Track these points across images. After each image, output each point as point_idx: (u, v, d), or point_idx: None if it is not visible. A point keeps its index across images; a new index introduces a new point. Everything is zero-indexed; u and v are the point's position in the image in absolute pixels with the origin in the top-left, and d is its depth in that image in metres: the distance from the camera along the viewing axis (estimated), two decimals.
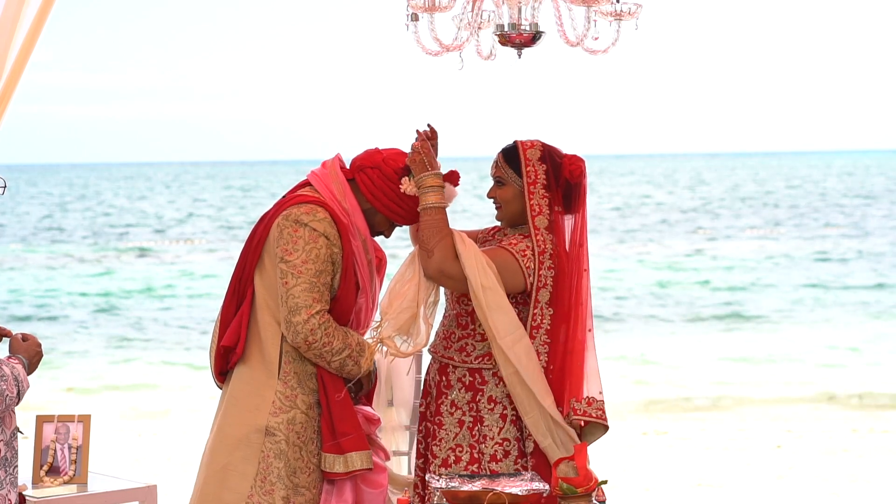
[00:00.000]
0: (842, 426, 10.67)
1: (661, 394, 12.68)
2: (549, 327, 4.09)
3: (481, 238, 4.34)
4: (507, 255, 4.08)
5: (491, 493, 3.54)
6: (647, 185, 65.31)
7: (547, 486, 3.67)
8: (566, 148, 4.24)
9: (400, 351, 4.06)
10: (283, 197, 4.11)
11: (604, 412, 4.09)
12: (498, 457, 4.07)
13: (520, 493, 3.57)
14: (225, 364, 4.09)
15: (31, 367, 3.73)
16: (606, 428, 4.11)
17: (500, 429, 4.09)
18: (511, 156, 4.17)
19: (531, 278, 4.07)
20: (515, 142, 4.20)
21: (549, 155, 4.15)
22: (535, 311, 4.08)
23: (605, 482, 3.80)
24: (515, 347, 4.01)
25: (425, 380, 4.27)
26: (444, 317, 4.24)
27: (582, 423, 4.06)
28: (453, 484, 3.62)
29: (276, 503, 3.99)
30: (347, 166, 4.15)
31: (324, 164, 4.15)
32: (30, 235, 38.15)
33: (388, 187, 4.06)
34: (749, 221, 40.61)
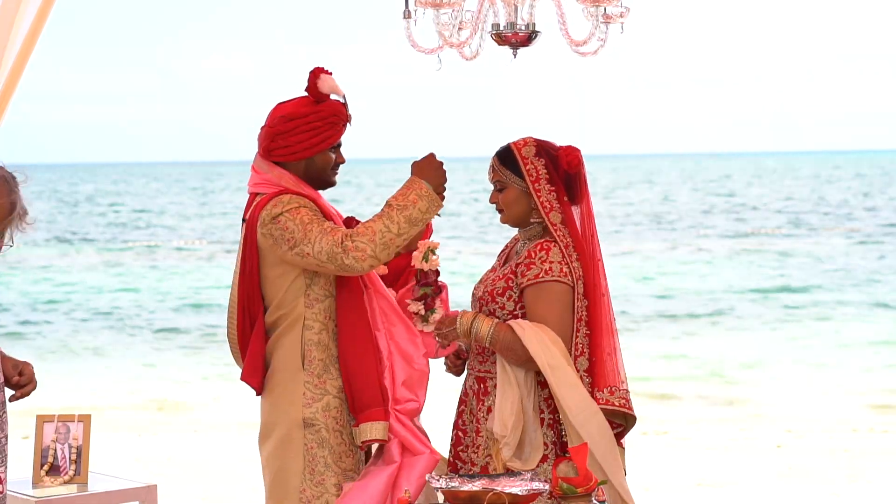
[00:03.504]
0: (842, 426, 10.66)
1: (662, 393, 12.68)
2: (587, 318, 4.07)
3: (504, 257, 4.29)
4: (558, 288, 4.04)
5: (491, 493, 3.54)
6: (643, 185, 65.28)
7: (547, 487, 3.66)
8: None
9: (523, 468, 3.99)
10: (247, 219, 4.07)
11: (628, 401, 4.06)
12: None
13: (520, 493, 3.57)
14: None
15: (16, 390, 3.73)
16: (633, 417, 4.10)
17: None
18: (507, 157, 4.15)
19: (575, 281, 4.08)
20: (508, 144, 4.18)
21: (543, 149, 4.14)
22: (577, 303, 4.07)
23: (604, 482, 3.80)
24: (588, 425, 3.96)
25: (462, 389, 4.24)
26: None
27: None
28: (453, 484, 3.62)
29: (329, 491, 3.98)
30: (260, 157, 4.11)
31: (252, 168, 4.13)
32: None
33: (290, 133, 4.00)
34: (751, 222, 40.59)
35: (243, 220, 4.12)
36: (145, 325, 19.21)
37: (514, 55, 4.04)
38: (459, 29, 3.98)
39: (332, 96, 4.06)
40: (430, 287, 4.12)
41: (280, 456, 4.02)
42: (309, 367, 4.00)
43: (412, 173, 4.03)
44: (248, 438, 10.20)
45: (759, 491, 8.20)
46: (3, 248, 3.69)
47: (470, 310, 4.16)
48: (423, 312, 4.11)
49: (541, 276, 4.05)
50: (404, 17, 3.93)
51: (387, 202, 3.98)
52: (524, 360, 3.99)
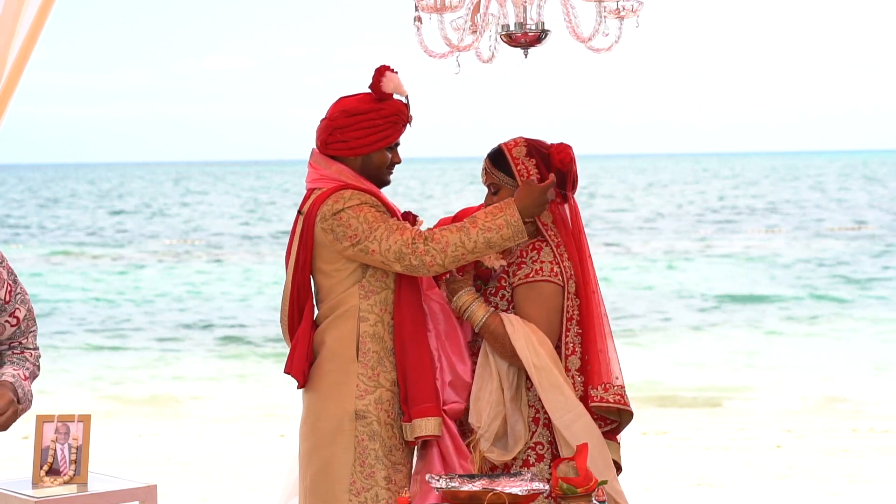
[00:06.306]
0: (842, 426, 10.66)
1: (662, 394, 12.68)
2: (578, 318, 4.09)
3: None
4: (547, 288, 4.06)
5: (491, 493, 3.54)
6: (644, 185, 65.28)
7: (547, 487, 3.67)
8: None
9: (503, 458, 4.02)
10: (306, 211, 4.05)
11: (623, 397, 4.08)
12: (531, 461, 4.08)
13: (520, 493, 3.57)
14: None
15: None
16: (629, 413, 4.11)
17: (533, 433, 4.08)
18: (498, 159, 4.16)
19: (565, 281, 4.08)
20: (499, 145, 4.18)
21: (534, 149, 4.15)
22: (568, 302, 4.08)
23: (604, 482, 3.80)
24: (573, 427, 3.98)
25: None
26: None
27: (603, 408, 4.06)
28: (453, 484, 3.62)
29: (378, 484, 3.98)
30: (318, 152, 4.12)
31: (309, 164, 4.13)
32: (24, 235, 38.10)
33: (349, 128, 4.01)
34: (755, 222, 40.60)
35: (300, 212, 4.10)
36: (146, 326, 19.21)
37: (526, 55, 4.02)
38: (472, 32, 3.96)
39: (395, 96, 4.06)
40: (489, 285, 4.13)
41: (328, 448, 4.01)
42: (363, 359, 4.00)
43: (515, 195, 4.01)
44: (247, 438, 10.22)
45: (759, 491, 8.20)
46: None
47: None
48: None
49: (531, 275, 4.06)
50: (414, 24, 3.91)
51: (474, 216, 3.98)
52: (510, 355, 4.01)
